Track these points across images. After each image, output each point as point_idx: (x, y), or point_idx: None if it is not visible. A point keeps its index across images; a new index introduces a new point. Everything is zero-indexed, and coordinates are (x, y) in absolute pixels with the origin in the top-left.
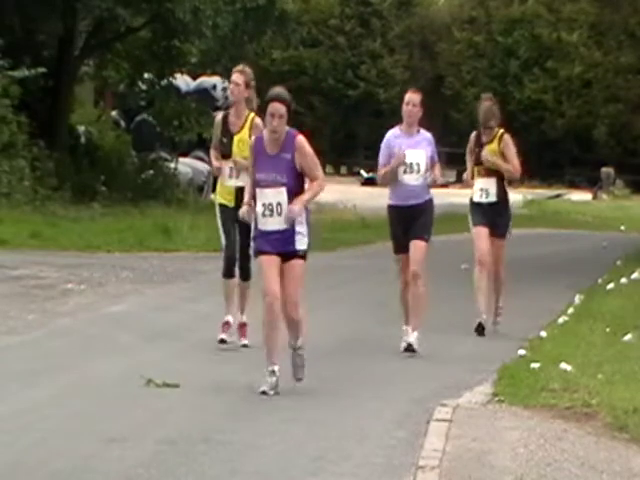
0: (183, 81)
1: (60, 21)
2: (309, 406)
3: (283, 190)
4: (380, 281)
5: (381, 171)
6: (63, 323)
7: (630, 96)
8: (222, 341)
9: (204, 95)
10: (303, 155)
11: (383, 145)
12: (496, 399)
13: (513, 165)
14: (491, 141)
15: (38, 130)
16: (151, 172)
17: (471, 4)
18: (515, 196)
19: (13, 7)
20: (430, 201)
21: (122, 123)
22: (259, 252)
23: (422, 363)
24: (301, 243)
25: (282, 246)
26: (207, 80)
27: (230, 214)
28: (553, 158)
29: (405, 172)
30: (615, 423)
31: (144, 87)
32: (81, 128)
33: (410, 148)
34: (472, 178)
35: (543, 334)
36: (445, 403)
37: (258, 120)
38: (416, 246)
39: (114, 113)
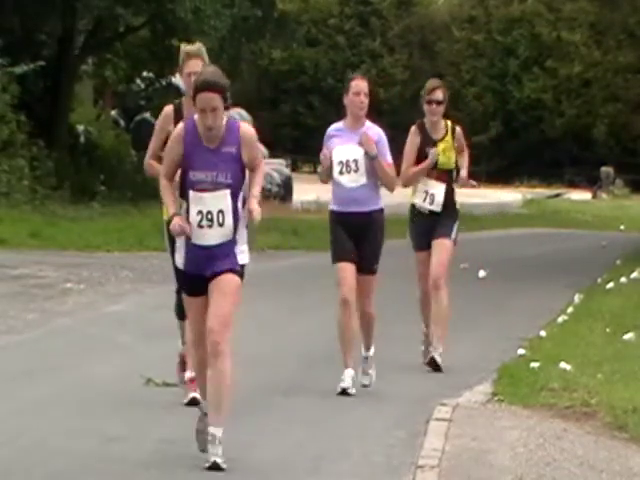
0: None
1: (60, 21)
2: (309, 406)
3: (227, 193)
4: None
5: (320, 168)
6: (62, 323)
7: (630, 96)
8: (193, 402)
9: None
10: (250, 145)
11: (324, 140)
12: (496, 398)
13: (467, 159)
14: (444, 137)
15: (37, 129)
16: None
17: (470, 3)
18: (514, 195)
19: (13, 6)
20: (378, 213)
21: (121, 122)
22: (186, 278)
23: (421, 362)
24: (243, 256)
25: (218, 265)
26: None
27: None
28: (553, 157)
29: (341, 172)
30: (614, 422)
31: (143, 86)
32: (80, 127)
33: (347, 143)
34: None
35: (543, 334)
36: (445, 403)
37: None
38: (362, 283)
39: (113, 112)
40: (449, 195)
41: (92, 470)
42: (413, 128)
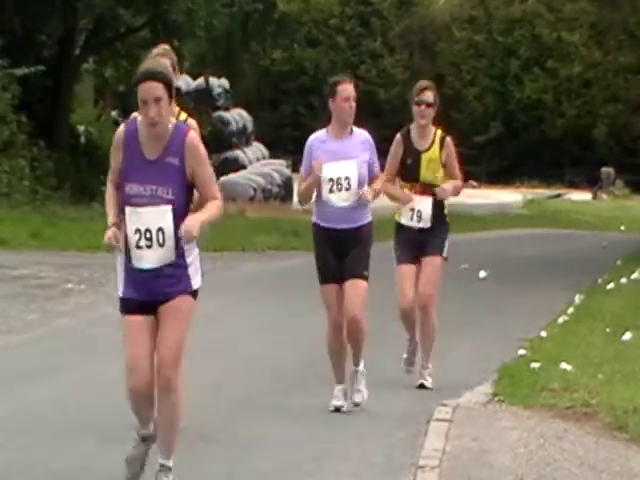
0: (183, 81)
1: (60, 21)
2: (309, 406)
3: (167, 210)
4: (379, 281)
5: (300, 185)
6: (63, 323)
7: (630, 96)
8: None
9: (204, 95)
10: (197, 159)
11: (305, 152)
12: (496, 399)
13: (458, 179)
14: (429, 147)
15: (38, 130)
16: None
17: (471, 4)
18: (515, 196)
19: (13, 7)
20: (368, 226)
21: (122, 123)
22: (128, 305)
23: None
24: (196, 281)
25: (164, 289)
26: (201, 80)
27: None
28: (553, 158)
29: (331, 191)
30: (615, 423)
31: None
32: (81, 128)
33: (336, 158)
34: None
35: (543, 334)
36: (445, 403)
37: (192, 123)
38: (353, 287)
39: (114, 113)
40: (437, 208)
41: (92, 470)
42: (398, 137)
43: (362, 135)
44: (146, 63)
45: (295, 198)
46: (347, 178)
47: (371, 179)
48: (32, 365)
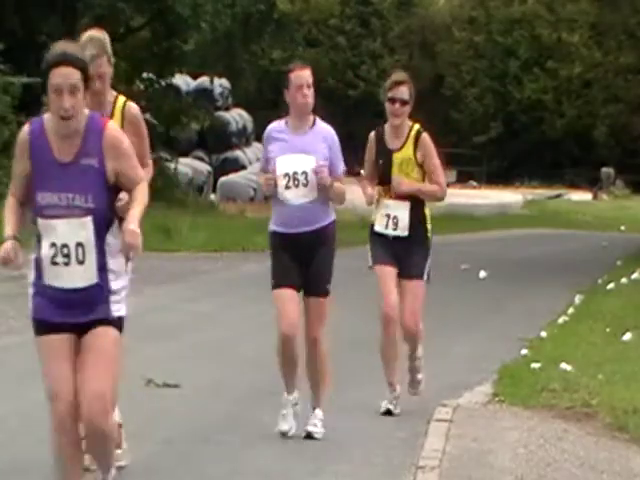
0: (183, 81)
1: (60, 22)
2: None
3: (87, 221)
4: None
5: (260, 179)
6: None
7: (630, 96)
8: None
9: (204, 95)
10: (120, 156)
11: (263, 142)
12: (496, 399)
13: (437, 182)
14: (402, 146)
15: None
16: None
17: (471, 4)
18: (515, 196)
19: (13, 8)
20: (331, 227)
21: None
22: (41, 326)
23: (422, 363)
24: (119, 307)
25: (83, 312)
26: (207, 80)
27: None
28: (553, 158)
29: (287, 187)
30: (615, 423)
31: (143, 87)
32: None
33: (293, 151)
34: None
35: (543, 334)
36: (445, 403)
37: (133, 108)
38: (312, 306)
39: None
40: (417, 216)
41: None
42: (371, 136)
43: (325, 130)
44: (61, 45)
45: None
46: (304, 173)
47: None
48: (32, 365)
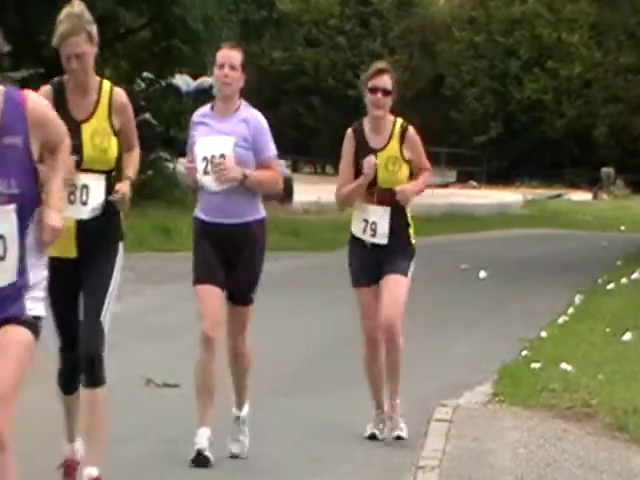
0: (183, 81)
1: None
2: (309, 406)
3: (9, 210)
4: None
5: (185, 163)
6: None
7: (630, 96)
8: None
9: (204, 95)
10: (45, 126)
11: (189, 129)
12: (496, 399)
13: (426, 169)
14: (387, 143)
15: None
16: (151, 172)
17: (471, 4)
18: (515, 196)
19: (13, 7)
20: (257, 226)
21: None
22: None
23: (422, 363)
24: (35, 305)
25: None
26: (207, 80)
27: (70, 275)
28: (553, 158)
29: (206, 172)
30: (615, 423)
31: (144, 86)
32: None
33: (212, 134)
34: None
35: (543, 334)
36: (445, 403)
37: (121, 94)
38: (237, 315)
39: None
40: (398, 222)
41: None
42: (349, 132)
43: (249, 113)
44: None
45: (295, 197)
46: (222, 156)
47: (260, 165)
48: (32, 365)
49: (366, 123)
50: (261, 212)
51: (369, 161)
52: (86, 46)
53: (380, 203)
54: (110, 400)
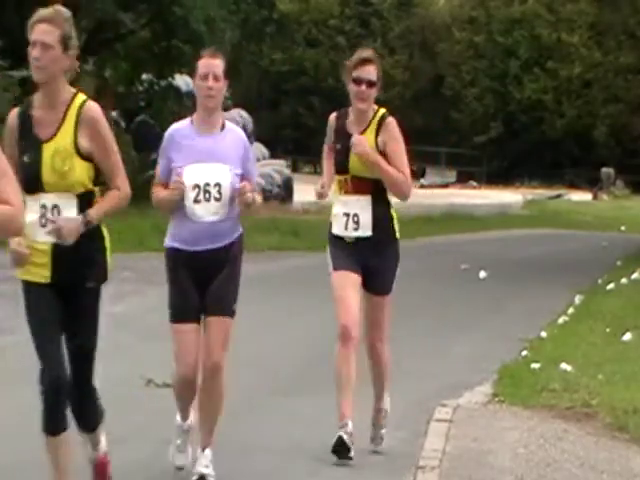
0: (183, 81)
1: None
2: (309, 406)
3: None
4: None
5: (157, 192)
6: None
7: (630, 96)
8: None
9: None
10: None
11: (163, 147)
12: (496, 399)
13: (403, 172)
14: (364, 131)
15: None
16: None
17: (471, 4)
18: (515, 196)
19: (13, 7)
20: (238, 240)
21: (122, 123)
22: None
23: (422, 363)
24: None
25: None
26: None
27: (47, 300)
28: (553, 158)
29: (197, 200)
30: (615, 423)
31: (145, 86)
32: None
33: (202, 159)
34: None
35: (543, 334)
36: (445, 403)
37: (92, 109)
38: (216, 326)
39: (114, 113)
40: (381, 214)
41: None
42: (331, 117)
43: (236, 133)
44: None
45: (295, 198)
46: (217, 185)
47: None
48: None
49: (351, 113)
50: (240, 229)
51: (355, 140)
52: (57, 44)
53: (357, 192)
54: (110, 400)
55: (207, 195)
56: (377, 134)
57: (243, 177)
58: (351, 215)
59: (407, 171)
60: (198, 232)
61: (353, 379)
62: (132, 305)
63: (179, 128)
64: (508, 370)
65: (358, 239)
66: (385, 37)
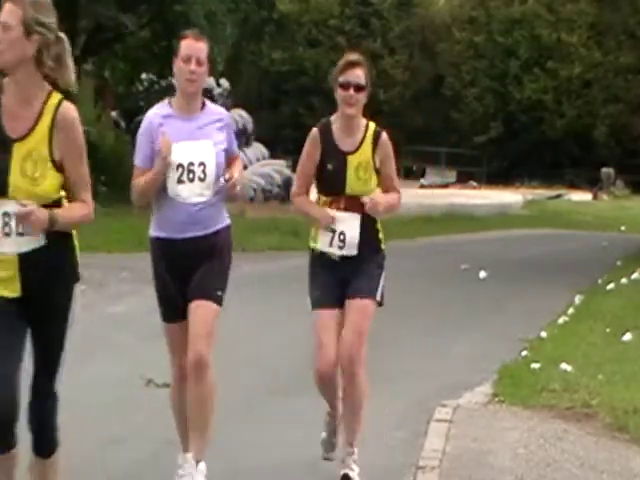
0: None
1: (60, 22)
2: (309, 406)
3: None
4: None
5: (138, 180)
6: None
7: (630, 96)
8: None
9: (204, 95)
10: None
11: (141, 134)
12: (496, 399)
13: (397, 190)
14: (359, 146)
15: None
16: None
17: (471, 4)
18: (515, 196)
19: None
20: (225, 231)
21: (122, 123)
22: None
23: (422, 363)
24: None
25: None
26: (207, 80)
27: (9, 319)
28: (553, 158)
29: (180, 181)
30: (615, 423)
31: (145, 85)
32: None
33: (184, 137)
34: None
35: (543, 334)
36: (445, 403)
37: (69, 109)
38: (200, 312)
39: (114, 113)
40: (368, 229)
41: (92, 471)
42: (314, 132)
43: (218, 112)
44: None
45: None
46: (202, 164)
47: (229, 163)
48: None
49: (335, 122)
50: (227, 219)
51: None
52: (18, 25)
53: (348, 209)
54: (110, 400)
55: (191, 175)
56: (374, 150)
57: (227, 155)
58: (337, 232)
59: (399, 185)
60: (183, 217)
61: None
62: (132, 305)
63: (157, 112)
64: (508, 370)
65: (344, 257)
66: (385, 37)
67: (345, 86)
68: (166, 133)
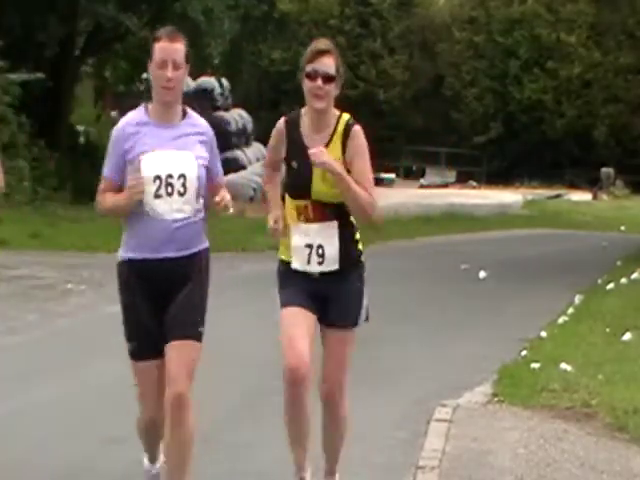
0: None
1: (60, 22)
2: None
3: None
4: (379, 280)
5: (105, 198)
6: (63, 323)
7: (630, 96)
8: None
9: (204, 95)
10: None
11: (112, 143)
12: (496, 399)
13: (369, 191)
14: (328, 143)
15: (38, 130)
16: None
17: (471, 4)
18: (515, 196)
19: (13, 8)
20: (204, 253)
21: None
22: None
23: (422, 363)
24: None
25: None
26: (207, 80)
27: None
28: (553, 158)
29: (158, 195)
30: (615, 423)
31: (142, 87)
32: (81, 128)
33: (164, 147)
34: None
35: (543, 334)
36: (445, 403)
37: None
38: (181, 351)
39: (114, 113)
40: (346, 239)
41: (92, 471)
42: (280, 124)
43: (200, 125)
44: None
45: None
46: (182, 176)
47: (212, 190)
48: (32, 365)
49: (304, 116)
50: (206, 241)
51: (314, 153)
52: None
53: (319, 220)
54: (110, 400)
55: (170, 189)
56: (344, 146)
57: (208, 172)
58: (315, 247)
59: (374, 191)
60: (159, 234)
61: (309, 429)
62: None
63: (131, 118)
64: (508, 370)
65: (322, 274)
66: (385, 37)
67: (312, 76)
68: (132, 154)
